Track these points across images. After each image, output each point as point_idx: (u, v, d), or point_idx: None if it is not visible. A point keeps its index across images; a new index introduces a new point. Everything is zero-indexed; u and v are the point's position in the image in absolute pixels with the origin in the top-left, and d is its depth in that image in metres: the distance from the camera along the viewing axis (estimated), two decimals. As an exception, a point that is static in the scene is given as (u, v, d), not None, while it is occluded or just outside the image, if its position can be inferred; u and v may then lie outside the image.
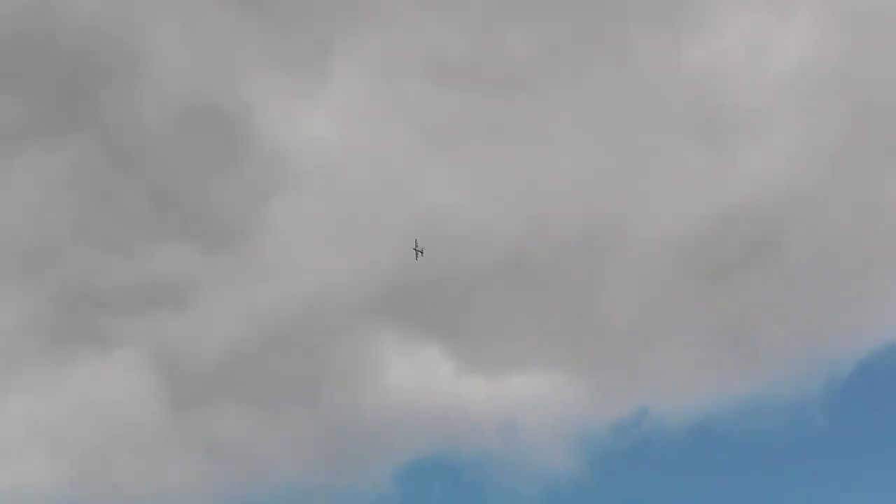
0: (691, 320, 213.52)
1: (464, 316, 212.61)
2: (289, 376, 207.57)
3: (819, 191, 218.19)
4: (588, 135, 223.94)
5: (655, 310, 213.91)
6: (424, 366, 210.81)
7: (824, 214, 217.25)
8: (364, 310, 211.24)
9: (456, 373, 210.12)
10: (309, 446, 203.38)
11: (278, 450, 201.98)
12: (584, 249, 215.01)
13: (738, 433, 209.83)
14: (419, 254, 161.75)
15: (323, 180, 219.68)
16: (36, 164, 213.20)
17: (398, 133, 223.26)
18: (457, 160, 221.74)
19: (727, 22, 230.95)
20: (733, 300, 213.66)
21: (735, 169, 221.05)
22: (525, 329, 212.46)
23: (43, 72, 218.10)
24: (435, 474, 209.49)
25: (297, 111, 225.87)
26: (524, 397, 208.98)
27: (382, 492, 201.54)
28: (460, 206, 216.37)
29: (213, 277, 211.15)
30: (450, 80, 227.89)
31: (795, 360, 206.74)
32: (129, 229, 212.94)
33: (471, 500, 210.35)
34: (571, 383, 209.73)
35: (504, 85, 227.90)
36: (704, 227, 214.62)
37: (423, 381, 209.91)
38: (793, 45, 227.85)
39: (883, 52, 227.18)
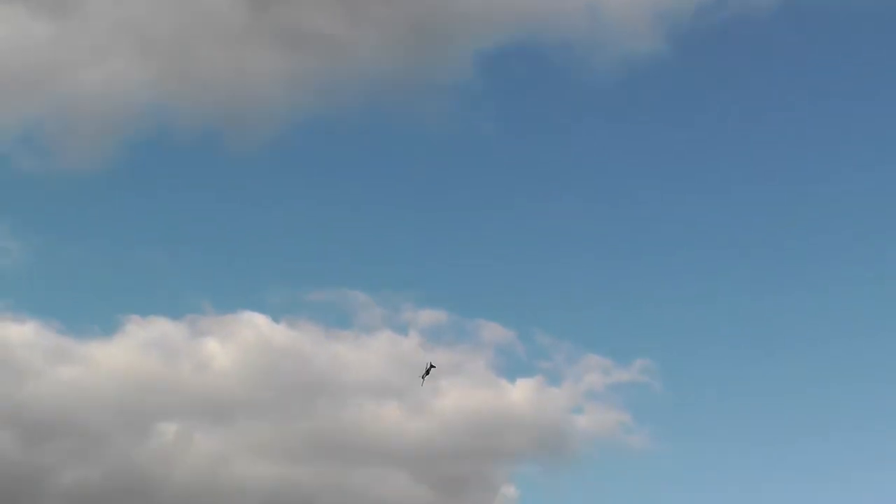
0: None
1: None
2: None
3: None
4: None
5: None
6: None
7: None
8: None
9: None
10: (389, 34, 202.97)
11: (360, 39, 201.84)
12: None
13: (825, 22, 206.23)
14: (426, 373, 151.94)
15: None
16: None
17: None
18: None
19: None
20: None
21: None
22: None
23: None
24: (517, 60, 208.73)
25: None
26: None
27: (466, 78, 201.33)
28: None
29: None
30: None
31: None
32: None
33: (553, 85, 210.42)
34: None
35: None
36: None
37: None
38: None
39: None
